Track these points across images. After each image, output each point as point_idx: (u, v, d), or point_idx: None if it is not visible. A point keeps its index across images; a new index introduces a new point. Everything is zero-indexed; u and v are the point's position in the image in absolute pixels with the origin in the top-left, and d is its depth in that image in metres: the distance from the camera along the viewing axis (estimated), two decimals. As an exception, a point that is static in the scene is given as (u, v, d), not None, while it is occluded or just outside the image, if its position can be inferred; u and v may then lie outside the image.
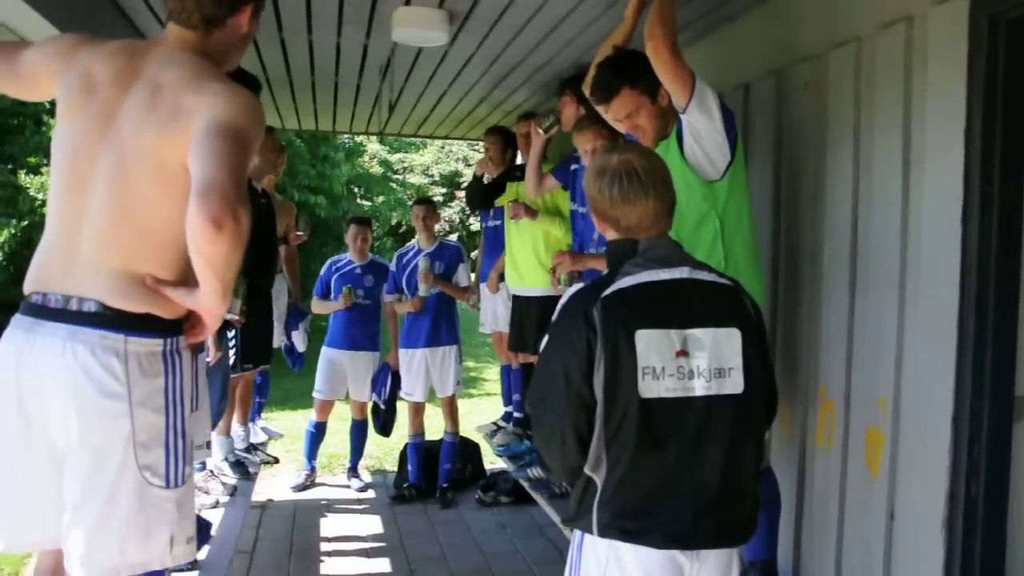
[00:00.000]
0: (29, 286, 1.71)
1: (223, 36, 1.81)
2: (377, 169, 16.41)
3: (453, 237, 5.89)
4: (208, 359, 3.66)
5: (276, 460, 5.09)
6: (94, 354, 1.63)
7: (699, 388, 1.77)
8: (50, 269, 1.69)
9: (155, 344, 1.70)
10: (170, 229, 1.66)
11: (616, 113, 2.74)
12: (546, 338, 1.88)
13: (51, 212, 1.73)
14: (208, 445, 2.92)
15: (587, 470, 1.80)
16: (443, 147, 19.77)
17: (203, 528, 3.48)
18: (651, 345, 1.76)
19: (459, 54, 3.99)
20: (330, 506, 5.39)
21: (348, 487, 5.72)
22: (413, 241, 5.70)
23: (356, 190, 14.21)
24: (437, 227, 5.79)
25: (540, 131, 3.88)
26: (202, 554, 3.36)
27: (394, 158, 19.28)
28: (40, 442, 1.69)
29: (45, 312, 1.66)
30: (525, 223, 4.44)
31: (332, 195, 12.02)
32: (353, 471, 5.82)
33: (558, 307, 1.90)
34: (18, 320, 1.70)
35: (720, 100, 2.54)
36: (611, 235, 1.94)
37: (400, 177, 18.94)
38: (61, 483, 1.70)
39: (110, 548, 1.70)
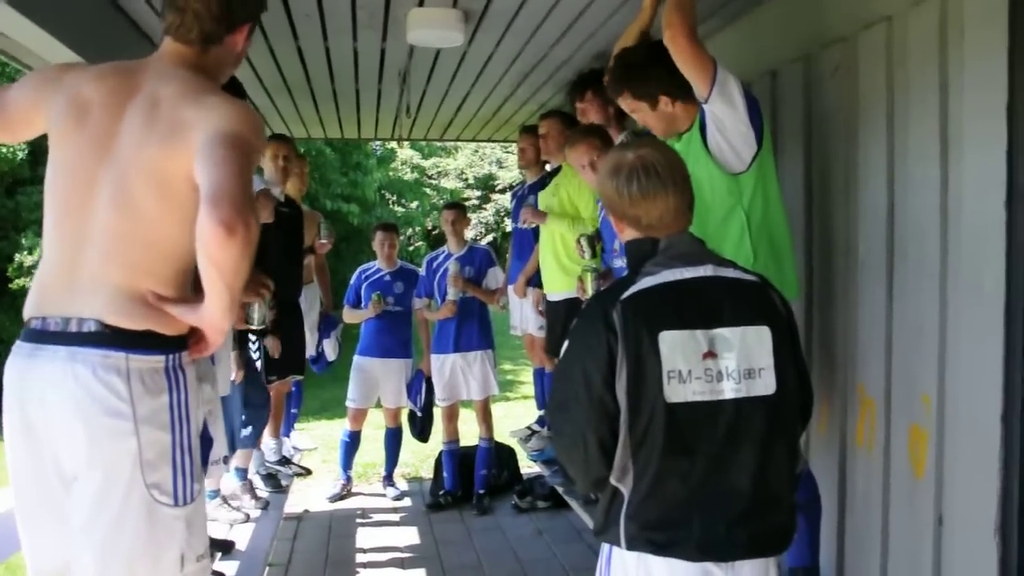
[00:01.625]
0: (28, 311, 1.68)
1: (219, 53, 1.80)
2: (410, 175, 16.43)
3: (486, 240, 5.80)
4: (232, 378, 3.63)
5: (308, 472, 5.06)
6: (96, 374, 1.60)
7: (728, 390, 1.68)
8: (49, 293, 1.67)
9: (157, 361, 1.66)
10: (173, 243, 1.65)
11: (627, 109, 2.67)
12: (566, 343, 1.80)
13: (49, 237, 1.70)
14: (225, 460, 2.88)
15: (613, 480, 1.71)
16: (476, 150, 19.78)
17: (225, 546, 3.45)
18: (676, 347, 1.67)
19: (478, 54, 3.93)
20: (366, 516, 5.35)
21: (384, 496, 5.68)
22: (444, 246, 5.66)
23: (389, 196, 14.23)
24: (470, 231, 5.72)
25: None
26: (231, 569, 3.33)
27: (428, 163, 19.32)
28: (51, 467, 1.67)
29: (45, 336, 1.64)
30: (546, 227, 4.35)
31: (365, 202, 12.04)
32: (388, 480, 5.78)
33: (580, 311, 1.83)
34: (18, 347, 1.68)
35: (745, 88, 2.43)
36: (629, 235, 1.85)
37: (435, 182, 18.97)
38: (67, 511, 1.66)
39: (119, 569, 1.66)
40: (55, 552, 1.71)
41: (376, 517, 5.32)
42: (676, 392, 1.66)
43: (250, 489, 4.12)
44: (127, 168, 1.64)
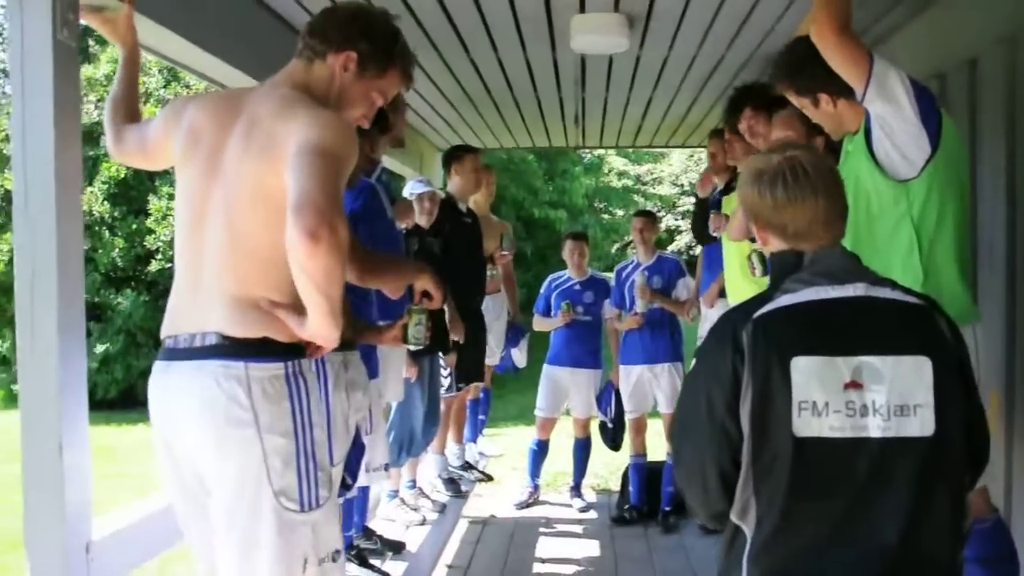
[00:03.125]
0: (164, 331, 1.79)
1: (323, 72, 1.84)
2: (618, 182, 16.36)
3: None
4: (406, 375, 3.75)
5: (490, 478, 5.12)
6: (219, 384, 1.67)
7: (874, 428, 1.48)
8: (179, 312, 1.77)
9: (276, 368, 1.71)
10: (279, 252, 1.66)
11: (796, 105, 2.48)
12: (693, 362, 1.68)
13: (178, 258, 1.81)
14: (386, 468, 2.96)
15: (734, 517, 1.56)
16: (692, 155, 19.31)
17: (396, 547, 3.56)
18: (811, 375, 1.49)
19: (651, 59, 3.83)
20: (549, 525, 5.34)
21: (570, 506, 5.64)
22: (633, 255, 5.56)
23: (598, 204, 14.25)
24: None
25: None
26: (399, 570, 3.43)
27: (642, 170, 19.15)
28: (190, 478, 1.76)
29: (176, 353, 1.74)
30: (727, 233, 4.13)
31: (572, 209, 12.13)
32: (576, 490, 5.73)
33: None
34: (155, 366, 1.79)
35: (916, 84, 2.16)
36: (774, 245, 1.68)
37: (648, 189, 18.76)
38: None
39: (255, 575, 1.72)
40: (206, 554, 1.81)
41: (559, 527, 5.29)
42: (808, 426, 1.48)
43: (429, 493, 4.24)
44: (232, 184, 1.72)
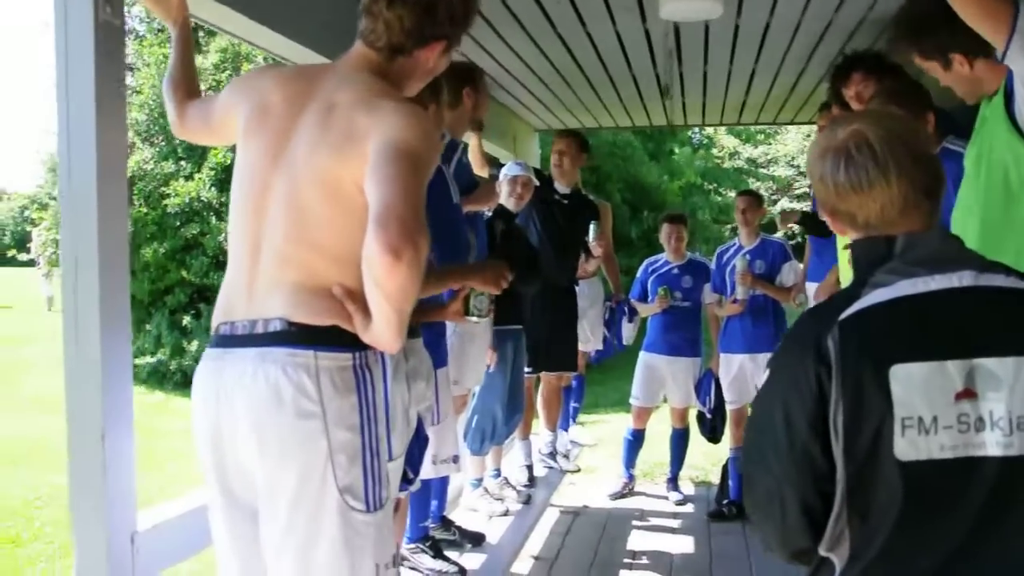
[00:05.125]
0: (217, 318, 1.70)
1: (406, 64, 1.75)
2: (728, 162, 15.80)
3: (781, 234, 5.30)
4: (488, 364, 3.65)
5: (577, 469, 4.96)
6: (285, 373, 1.57)
7: (992, 445, 1.23)
8: (235, 297, 1.67)
9: (345, 358, 1.61)
10: (344, 248, 1.60)
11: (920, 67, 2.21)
12: (766, 372, 1.43)
13: (233, 240, 1.72)
14: (455, 459, 2.86)
15: (822, 551, 1.34)
16: (809, 135, 18.52)
17: (476, 538, 3.47)
18: (915, 385, 1.25)
19: (752, 26, 3.56)
20: (644, 518, 5.17)
21: (666, 499, 5.45)
22: (735, 238, 5.29)
23: (708, 186, 13.80)
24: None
25: None
26: (477, 562, 3.34)
27: (756, 151, 18.46)
28: (234, 475, 1.66)
29: (233, 340, 1.64)
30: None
31: (679, 191, 11.78)
32: (672, 482, 5.53)
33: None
34: (208, 353, 1.70)
35: None
36: (853, 235, 1.44)
37: (763, 171, 18.08)
38: (257, 522, 1.65)
39: None
40: (247, 559, 1.70)
41: (653, 520, 5.11)
42: (914, 447, 1.23)
43: (513, 482, 4.14)
44: (299, 172, 1.62)
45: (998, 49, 1.89)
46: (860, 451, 1.25)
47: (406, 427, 2.24)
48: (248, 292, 1.65)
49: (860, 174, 1.36)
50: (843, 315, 1.30)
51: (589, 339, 5.34)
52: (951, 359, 1.25)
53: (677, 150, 11.89)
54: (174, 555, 1.98)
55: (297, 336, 1.58)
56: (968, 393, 1.24)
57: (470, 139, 4.29)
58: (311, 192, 1.61)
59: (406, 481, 2.33)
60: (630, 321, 5.16)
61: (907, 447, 1.23)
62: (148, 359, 11.14)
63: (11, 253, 41.29)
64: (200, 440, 1.69)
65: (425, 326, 2.43)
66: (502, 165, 4.24)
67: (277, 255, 1.62)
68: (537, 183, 4.17)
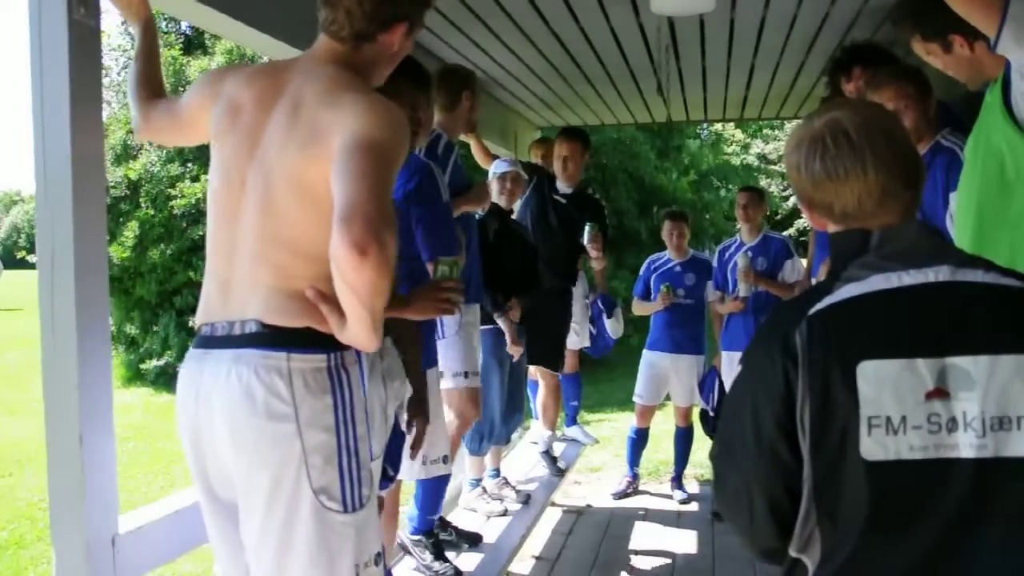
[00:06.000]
0: (198, 319, 1.70)
1: (371, 51, 1.73)
2: (738, 160, 15.68)
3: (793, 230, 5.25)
4: (511, 353, 3.64)
5: (563, 472, 4.85)
6: (257, 375, 1.57)
7: (965, 447, 1.19)
8: (214, 299, 1.67)
9: (319, 360, 1.60)
10: (319, 247, 1.56)
11: (921, 54, 2.19)
12: (739, 366, 1.40)
13: (210, 243, 1.71)
14: (445, 460, 2.83)
15: (793, 552, 1.30)
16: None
17: (473, 539, 3.44)
18: (883, 383, 1.21)
19: (747, 21, 3.53)
20: (647, 516, 5.13)
21: (670, 498, 5.41)
22: (736, 234, 5.24)
23: (717, 183, 13.72)
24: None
25: None
26: (472, 563, 3.32)
27: (768, 147, 18.32)
28: (214, 474, 1.67)
29: (212, 342, 1.64)
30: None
31: (687, 188, 11.71)
32: (677, 481, 5.50)
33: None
34: (190, 354, 1.70)
35: None
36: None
37: (774, 167, 17.95)
38: (239, 521, 1.66)
39: None
40: (232, 557, 1.72)
41: (657, 520, 5.07)
42: (882, 447, 1.20)
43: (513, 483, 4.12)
44: (271, 171, 1.61)
45: (991, 38, 1.85)
46: (827, 449, 1.22)
47: (384, 426, 2.22)
48: (225, 293, 1.64)
49: (836, 163, 1.33)
50: (813, 309, 1.26)
51: (575, 338, 5.27)
52: (922, 357, 1.21)
53: (688, 144, 11.78)
54: (156, 558, 1.96)
55: (270, 338, 1.58)
56: (940, 392, 1.20)
57: (470, 140, 4.28)
58: (283, 192, 1.59)
59: (386, 479, 2.32)
60: (609, 316, 5.10)
61: (874, 447, 1.20)
62: (156, 362, 11.17)
63: (23, 255, 41.56)
64: (184, 440, 1.70)
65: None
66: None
67: (252, 256, 1.62)
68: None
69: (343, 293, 1.44)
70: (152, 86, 1.91)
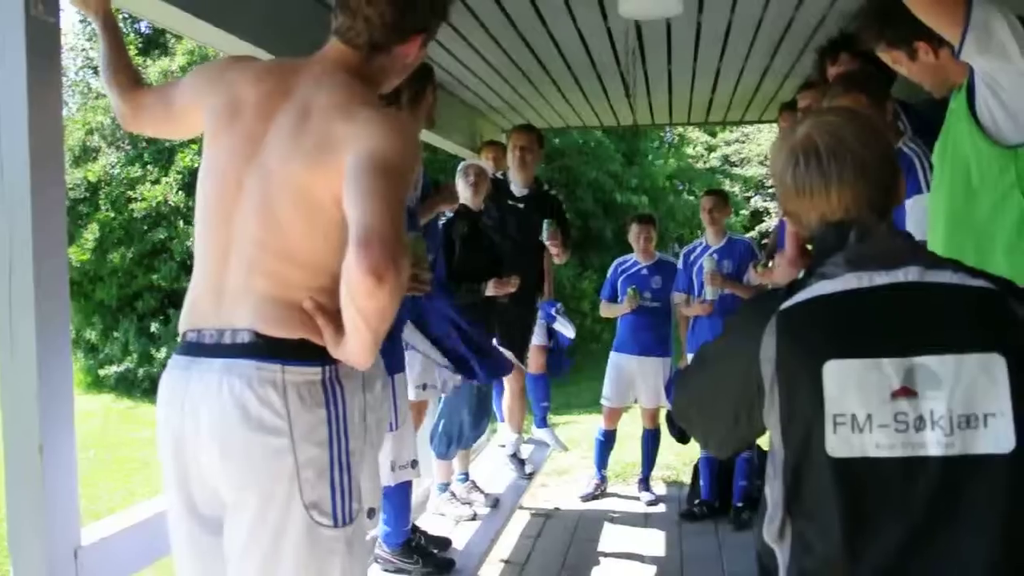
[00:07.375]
0: (184, 324, 1.64)
1: (385, 62, 1.70)
2: (702, 163, 15.82)
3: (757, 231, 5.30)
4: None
5: (530, 476, 4.84)
6: (251, 387, 1.52)
7: (932, 445, 1.21)
8: (202, 304, 1.62)
9: (313, 373, 1.56)
10: (316, 259, 1.55)
11: (888, 61, 2.20)
12: (711, 346, 1.46)
13: (199, 245, 1.65)
14: (414, 464, 2.81)
15: (768, 539, 1.33)
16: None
17: (441, 544, 3.42)
18: (848, 382, 1.23)
19: (714, 25, 3.55)
20: (615, 519, 5.14)
21: (638, 499, 5.43)
22: (701, 237, 5.28)
23: (680, 186, 13.82)
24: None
25: None
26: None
27: (729, 149, 18.51)
28: (196, 487, 1.61)
29: (200, 349, 1.58)
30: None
31: (654, 193, 11.78)
32: (644, 483, 5.52)
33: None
34: (174, 361, 1.64)
35: None
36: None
37: (736, 169, 18.14)
38: (219, 533, 1.60)
39: None
40: (204, 572, 1.65)
41: (625, 522, 5.09)
42: (847, 444, 1.22)
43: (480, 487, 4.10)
44: (272, 178, 1.55)
45: (954, 45, 1.87)
46: (796, 443, 1.25)
47: (364, 435, 2.19)
48: (216, 299, 1.59)
49: (804, 181, 1.37)
50: (783, 305, 1.29)
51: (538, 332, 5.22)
52: (888, 356, 1.23)
53: (651, 147, 11.87)
54: (121, 570, 1.91)
55: (265, 349, 1.53)
56: (906, 391, 1.23)
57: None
58: (283, 199, 1.55)
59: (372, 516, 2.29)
60: (554, 321, 5.11)
61: (839, 444, 1.22)
62: (116, 367, 10.98)
63: None
64: (163, 449, 1.63)
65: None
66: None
67: (247, 262, 1.56)
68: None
69: (349, 313, 1.41)
70: (129, 73, 1.83)
